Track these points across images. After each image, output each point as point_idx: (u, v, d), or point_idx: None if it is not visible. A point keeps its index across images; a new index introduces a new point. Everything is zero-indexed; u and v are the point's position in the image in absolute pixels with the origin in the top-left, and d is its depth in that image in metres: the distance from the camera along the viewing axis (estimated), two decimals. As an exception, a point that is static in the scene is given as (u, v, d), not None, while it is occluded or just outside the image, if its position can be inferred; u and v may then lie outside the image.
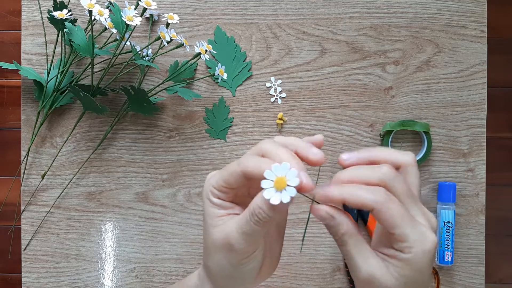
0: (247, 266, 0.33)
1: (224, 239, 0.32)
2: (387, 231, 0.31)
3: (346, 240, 0.32)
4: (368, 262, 0.31)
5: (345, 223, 0.32)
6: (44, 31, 0.64)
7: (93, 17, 0.54)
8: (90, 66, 0.60)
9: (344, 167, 0.33)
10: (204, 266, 0.37)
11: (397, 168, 0.34)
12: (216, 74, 0.62)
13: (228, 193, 0.33)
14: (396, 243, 0.31)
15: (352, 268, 0.32)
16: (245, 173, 0.31)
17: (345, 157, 0.33)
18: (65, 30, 0.59)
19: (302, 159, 0.32)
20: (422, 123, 0.63)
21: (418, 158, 0.64)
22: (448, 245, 0.62)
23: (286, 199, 0.29)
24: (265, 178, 0.29)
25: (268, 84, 0.66)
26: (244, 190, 0.33)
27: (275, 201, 0.29)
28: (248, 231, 0.31)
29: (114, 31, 0.56)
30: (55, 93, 0.63)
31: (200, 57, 0.59)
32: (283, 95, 0.65)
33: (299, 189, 0.29)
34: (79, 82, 0.64)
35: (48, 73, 0.63)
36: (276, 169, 0.29)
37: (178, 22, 0.59)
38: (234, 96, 0.66)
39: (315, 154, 0.31)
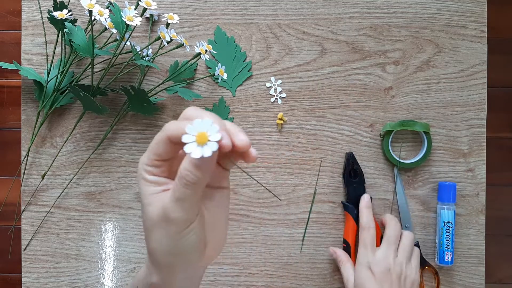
0: (187, 239, 0.33)
1: (160, 213, 0.32)
2: None
3: (340, 265, 0.62)
4: (350, 276, 0.61)
5: (341, 256, 0.63)
6: (44, 31, 0.64)
7: (93, 17, 0.54)
8: (90, 66, 0.60)
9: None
10: (148, 252, 0.36)
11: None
12: (216, 74, 0.62)
13: (160, 166, 0.33)
14: None
15: (343, 278, 0.62)
16: (169, 136, 0.32)
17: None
18: (65, 30, 0.59)
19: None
20: (422, 123, 0.63)
21: (418, 158, 0.64)
22: (448, 245, 0.62)
23: (207, 153, 0.28)
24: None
25: (268, 84, 0.66)
26: (178, 163, 0.33)
27: (196, 154, 0.28)
28: (181, 196, 0.31)
29: (114, 31, 0.56)
30: (55, 93, 0.63)
31: (200, 57, 0.59)
32: (283, 95, 0.65)
33: (220, 147, 0.29)
34: (79, 82, 0.64)
35: (48, 73, 0.63)
36: (198, 124, 0.29)
37: (178, 22, 0.59)
38: (234, 96, 0.66)
39: (241, 140, 0.31)
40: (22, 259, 0.65)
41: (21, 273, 0.65)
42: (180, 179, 0.31)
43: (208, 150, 0.28)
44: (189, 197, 0.31)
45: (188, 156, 0.30)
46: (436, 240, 0.64)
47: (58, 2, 0.59)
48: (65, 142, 0.65)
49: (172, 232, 0.33)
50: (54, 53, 0.63)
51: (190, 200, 0.32)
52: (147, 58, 0.63)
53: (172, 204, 0.32)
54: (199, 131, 0.29)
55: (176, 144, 0.32)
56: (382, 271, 0.57)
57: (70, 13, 0.57)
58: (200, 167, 0.30)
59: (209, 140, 0.29)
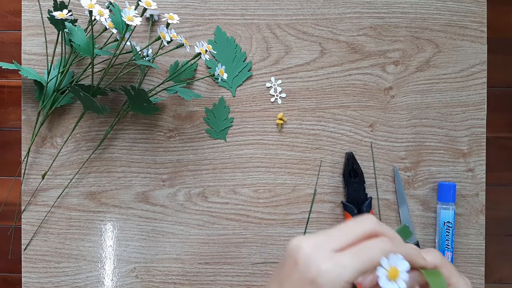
0: None
1: None
2: None
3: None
4: None
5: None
6: (44, 31, 0.64)
7: (93, 17, 0.54)
8: (90, 66, 0.60)
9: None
10: None
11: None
12: (216, 74, 0.62)
13: None
14: None
15: None
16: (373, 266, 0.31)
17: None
18: (65, 30, 0.59)
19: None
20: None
21: None
22: (448, 245, 0.62)
23: None
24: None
25: (268, 84, 0.66)
26: None
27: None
28: None
29: (114, 31, 0.56)
30: (55, 93, 0.63)
31: (200, 57, 0.59)
32: (283, 95, 0.65)
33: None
34: (79, 82, 0.64)
35: (48, 73, 0.63)
36: (393, 259, 0.31)
37: (178, 22, 0.59)
38: (234, 96, 0.66)
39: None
40: (22, 259, 0.65)
41: (21, 273, 0.65)
42: None
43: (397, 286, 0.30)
44: None
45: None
46: (436, 240, 0.64)
47: (58, 2, 0.59)
48: (65, 142, 0.65)
49: None
50: (54, 53, 0.63)
51: None
52: (147, 58, 0.63)
53: None
54: (391, 266, 0.30)
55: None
56: None
57: (70, 13, 0.57)
58: None
59: (399, 277, 0.31)
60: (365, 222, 0.33)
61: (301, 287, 0.31)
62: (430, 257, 0.35)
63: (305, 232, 0.65)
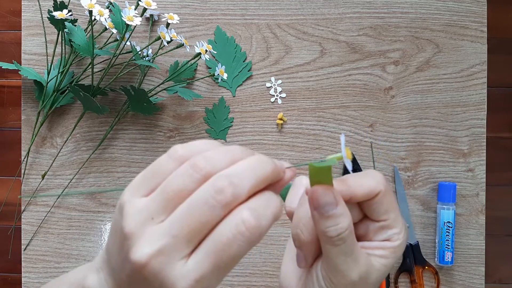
0: None
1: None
2: (373, 222, 0.29)
3: (345, 237, 0.26)
4: (360, 262, 0.27)
5: (348, 216, 0.26)
6: (44, 31, 0.64)
7: (93, 17, 0.54)
8: (90, 66, 0.60)
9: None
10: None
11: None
12: (216, 74, 0.62)
13: None
14: (385, 232, 0.28)
15: (340, 271, 0.27)
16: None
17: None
18: (65, 30, 0.59)
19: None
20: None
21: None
22: (448, 245, 0.62)
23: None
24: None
25: (268, 84, 0.66)
26: None
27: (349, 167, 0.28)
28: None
29: (114, 31, 0.56)
30: (55, 93, 0.63)
31: (200, 57, 0.59)
32: (283, 95, 0.65)
33: None
34: (79, 82, 0.64)
35: (48, 73, 0.63)
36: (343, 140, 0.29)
37: (178, 22, 0.59)
38: (234, 96, 0.66)
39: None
40: (22, 259, 0.65)
41: (21, 273, 0.65)
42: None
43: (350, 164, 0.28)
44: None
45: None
46: (436, 240, 0.64)
47: (58, 2, 0.59)
48: (65, 142, 0.65)
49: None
50: (54, 53, 0.63)
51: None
52: (147, 58, 0.63)
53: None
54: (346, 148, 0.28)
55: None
56: None
57: (70, 13, 0.57)
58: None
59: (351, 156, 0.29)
60: (170, 159, 0.26)
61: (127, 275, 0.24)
62: (371, 181, 0.27)
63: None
